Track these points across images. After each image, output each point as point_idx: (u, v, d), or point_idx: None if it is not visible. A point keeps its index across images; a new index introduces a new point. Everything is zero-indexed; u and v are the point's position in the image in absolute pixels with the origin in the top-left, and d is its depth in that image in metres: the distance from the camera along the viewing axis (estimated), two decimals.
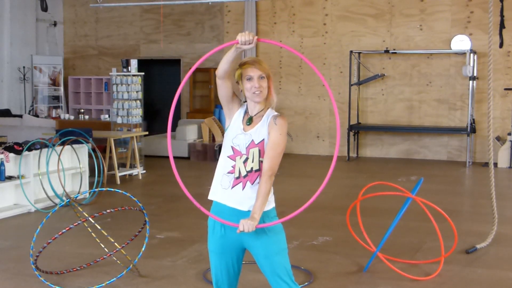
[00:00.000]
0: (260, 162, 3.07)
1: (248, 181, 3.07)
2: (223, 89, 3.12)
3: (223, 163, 3.13)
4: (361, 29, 12.95)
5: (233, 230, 3.10)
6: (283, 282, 3.10)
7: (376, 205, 7.60)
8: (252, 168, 3.07)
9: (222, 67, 3.06)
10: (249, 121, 3.13)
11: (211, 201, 3.21)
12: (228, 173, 3.10)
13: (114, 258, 5.31)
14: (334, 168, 2.99)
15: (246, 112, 3.18)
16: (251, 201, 3.06)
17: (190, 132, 12.76)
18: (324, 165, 12.06)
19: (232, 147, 3.11)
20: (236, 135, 3.12)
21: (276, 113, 3.13)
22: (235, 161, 3.09)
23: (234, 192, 3.08)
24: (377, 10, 12.83)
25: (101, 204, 8.03)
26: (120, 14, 15.36)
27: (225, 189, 3.10)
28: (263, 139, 3.09)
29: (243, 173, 3.07)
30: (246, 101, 3.21)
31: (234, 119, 3.16)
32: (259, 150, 3.08)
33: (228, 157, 3.11)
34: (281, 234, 3.15)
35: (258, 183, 3.06)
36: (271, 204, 3.13)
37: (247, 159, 3.08)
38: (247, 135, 3.09)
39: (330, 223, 7.01)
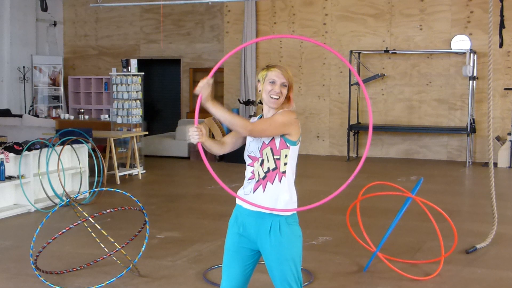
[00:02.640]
0: (276, 160, 3.10)
1: (268, 182, 3.11)
2: (236, 146, 3.25)
3: (246, 173, 3.20)
4: (361, 29, 12.95)
5: (250, 229, 3.13)
6: None
7: (376, 205, 7.60)
8: (269, 167, 3.10)
9: (215, 153, 3.20)
10: None
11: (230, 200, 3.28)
12: (249, 179, 3.15)
13: (114, 258, 5.31)
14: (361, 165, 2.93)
15: (260, 118, 3.23)
16: (273, 201, 3.08)
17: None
18: (324, 165, 12.07)
19: (248, 155, 3.17)
20: (248, 143, 3.19)
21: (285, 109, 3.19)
22: (253, 166, 3.15)
23: (256, 195, 3.11)
24: (377, 10, 12.83)
25: (101, 204, 8.03)
26: (120, 14, 15.36)
27: (247, 194, 3.14)
28: (273, 138, 3.11)
29: (262, 175, 3.11)
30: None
31: None
32: (271, 149, 3.11)
33: (248, 165, 3.18)
34: (296, 241, 3.13)
35: (279, 181, 3.09)
36: (286, 209, 3.12)
37: (262, 161, 3.12)
38: (258, 139, 3.14)
39: (330, 223, 7.01)
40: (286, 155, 3.11)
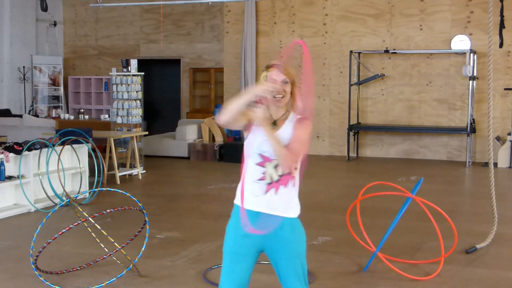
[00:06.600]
0: None
1: (281, 185, 3.05)
2: (235, 126, 3.07)
3: (252, 171, 3.08)
4: (361, 29, 12.95)
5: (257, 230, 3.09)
6: (300, 284, 3.10)
7: (376, 205, 7.60)
8: (283, 171, 3.05)
9: (230, 118, 2.98)
10: (274, 124, 3.09)
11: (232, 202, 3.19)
12: (259, 180, 3.06)
13: (114, 258, 5.31)
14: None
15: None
16: (285, 204, 3.06)
17: (190, 132, 12.75)
18: (324, 165, 12.06)
19: (260, 154, 3.05)
20: (261, 141, 3.05)
21: (299, 116, 3.09)
22: (265, 167, 3.05)
23: (268, 197, 3.05)
24: (377, 10, 12.83)
25: (101, 204, 8.03)
26: (120, 14, 15.37)
27: (257, 196, 3.05)
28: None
29: (275, 178, 3.05)
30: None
31: (256, 127, 3.09)
32: None
33: (256, 164, 3.06)
34: (303, 237, 3.16)
35: (293, 185, 3.07)
36: (297, 212, 3.13)
37: (277, 164, 3.04)
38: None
39: (330, 223, 7.01)
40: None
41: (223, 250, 3.19)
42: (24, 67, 14.56)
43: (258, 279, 4.69)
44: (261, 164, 3.06)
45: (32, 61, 14.80)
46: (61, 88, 15.43)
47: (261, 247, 3.13)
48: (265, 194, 3.05)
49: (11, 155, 7.60)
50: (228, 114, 2.96)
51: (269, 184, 3.05)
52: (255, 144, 3.07)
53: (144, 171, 10.76)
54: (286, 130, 3.06)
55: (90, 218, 4.99)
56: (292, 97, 3.11)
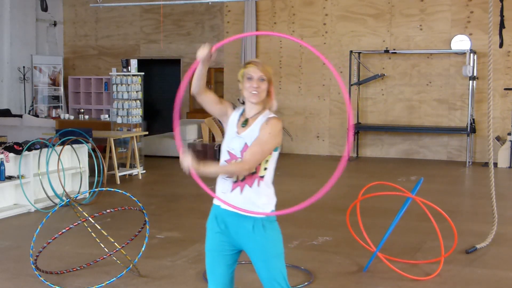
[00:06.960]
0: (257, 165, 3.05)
1: (246, 185, 3.05)
2: (207, 103, 3.15)
3: None
4: (361, 29, 12.95)
5: (231, 228, 3.10)
6: (279, 286, 3.10)
7: (376, 205, 7.60)
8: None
9: (195, 84, 3.09)
10: (245, 123, 3.11)
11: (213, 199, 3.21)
12: (227, 177, 3.08)
13: (114, 258, 5.31)
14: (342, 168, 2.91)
15: (242, 114, 3.16)
16: (249, 204, 3.05)
17: (190, 132, 12.75)
18: (324, 165, 12.06)
19: (228, 151, 3.09)
20: (231, 138, 3.11)
21: (272, 115, 3.11)
22: None
23: (233, 195, 3.07)
24: (377, 10, 12.83)
25: (101, 204, 8.03)
26: (120, 14, 15.37)
27: (225, 193, 3.08)
28: None
29: (241, 177, 3.05)
30: (243, 102, 3.18)
31: (229, 123, 3.15)
32: None
33: (225, 161, 3.10)
34: (278, 237, 3.14)
35: (258, 185, 3.06)
36: (265, 212, 3.10)
37: None
38: (240, 138, 3.07)
39: (330, 223, 7.01)
40: (267, 160, 3.08)
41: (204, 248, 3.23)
42: (24, 67, 14.56)
43: (259, 279, 4.69)
44: (228, 162, 3.08)
45: (32, 61, 14.80)
46: (61, 88, 15.43)
47: (237, 245, 3.14)
48: (231, 192, 3.07)
49: (11, 155, 7.60)
50: (193, 84, 3.11)
51: (235, 182, 3.07)
52: (225, 140, 3.13)
53: (144, 171, 10.76)
54: (254, 129, 3.07)
55: (90, 218, 4.99)
56: (268, 95, 3.13)
